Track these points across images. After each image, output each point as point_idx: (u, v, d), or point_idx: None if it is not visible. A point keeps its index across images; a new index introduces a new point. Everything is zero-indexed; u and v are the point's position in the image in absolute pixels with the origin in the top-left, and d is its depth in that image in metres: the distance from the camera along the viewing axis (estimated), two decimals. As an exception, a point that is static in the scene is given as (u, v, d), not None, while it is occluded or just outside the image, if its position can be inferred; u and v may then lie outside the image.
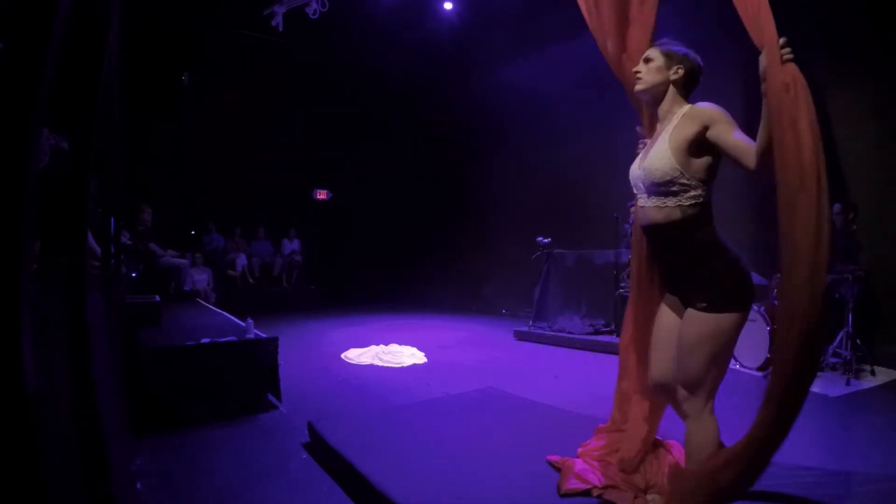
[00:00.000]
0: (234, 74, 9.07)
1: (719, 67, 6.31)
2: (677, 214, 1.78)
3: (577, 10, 2.41)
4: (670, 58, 1.89)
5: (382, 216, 10.57)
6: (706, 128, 1.72)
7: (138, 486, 2.26)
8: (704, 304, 1.76)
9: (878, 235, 4.99)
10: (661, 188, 1.79)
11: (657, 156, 1.80)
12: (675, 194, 1.77)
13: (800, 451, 2.82)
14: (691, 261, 1.81)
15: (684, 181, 1.76)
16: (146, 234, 6.48)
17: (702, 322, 1.76)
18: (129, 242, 5.83)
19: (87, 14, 1.43)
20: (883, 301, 5.00)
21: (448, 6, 7.76)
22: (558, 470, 2.32)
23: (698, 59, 1.92)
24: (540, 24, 7.52)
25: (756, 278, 4.93)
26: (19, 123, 0.92)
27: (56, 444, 1.24)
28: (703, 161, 1.76)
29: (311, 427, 2.94)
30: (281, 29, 7.02)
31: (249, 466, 2.72)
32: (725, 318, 1.74)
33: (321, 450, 2.78)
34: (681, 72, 1.87)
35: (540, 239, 6.67)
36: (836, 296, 4.86)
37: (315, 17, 6.66)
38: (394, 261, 10.44)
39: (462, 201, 9.68)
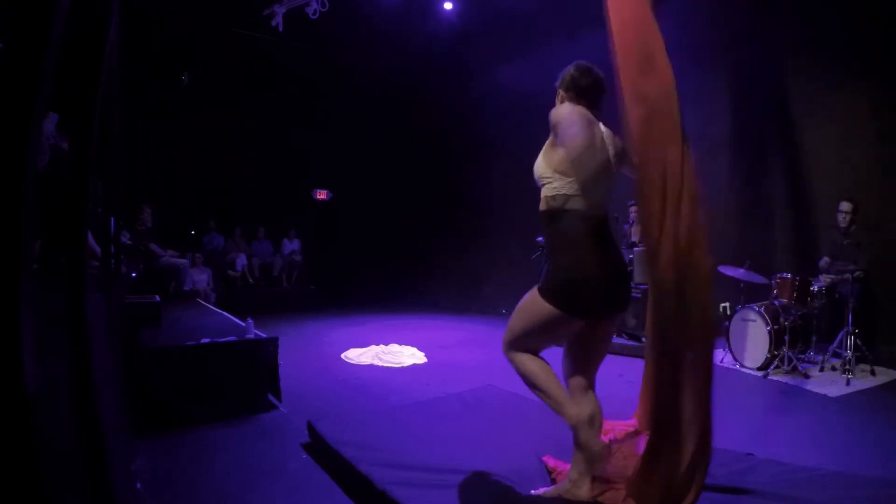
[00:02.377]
0: (234, 74, 9.07)
1: (710, 72, 6.32)
2: (544, 204, 2.05)
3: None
4: (557, 92, 2.16)
5: (382, 216, 10.56)
6: (553, 126, 1.97)
7: (138, 486, 2.26)
8: (540, 283, 2.05)
9: (878, 235, 4.98)
10: (539, 181, 2.07)
11: (539, 156, 2.09)
12: (544, 185, 2.04)
13: (800, 451, 2.82)
14: (548, 251, 2.12)
15: (548, 175, 2.02)
16: (146, 234, 6.48)
17: (531, 294, 2.05)
18: (129, 242, 5.83)
19: (87, 14, 1.43)
20: (883, 301, 5.00)
21: (448, 6, 7.75)
22: (554, 480, 2.31)
23: (571, 69, 2.14)
24: (540, 24, 7.52)
25: (756, 277, 4.93)
26: (19, 123, 0.92)
27: (56, 444, 1.24)
28: (559, 152, 1.98)
29: (310, 427, 2.94)
30: (281, 29, 7.01)
31: (249, 466, 2.72)
32: (542, 303, 1.98)
33: (321, 450, 2.78)
34: (562, 97, 2.12)
35: (540, 239, 6.65)
36: (836, 296, 4.86)
37: (315, 17, 6.65)
38: (394, 261, 10.43)
39: (462, 201, 9.68)
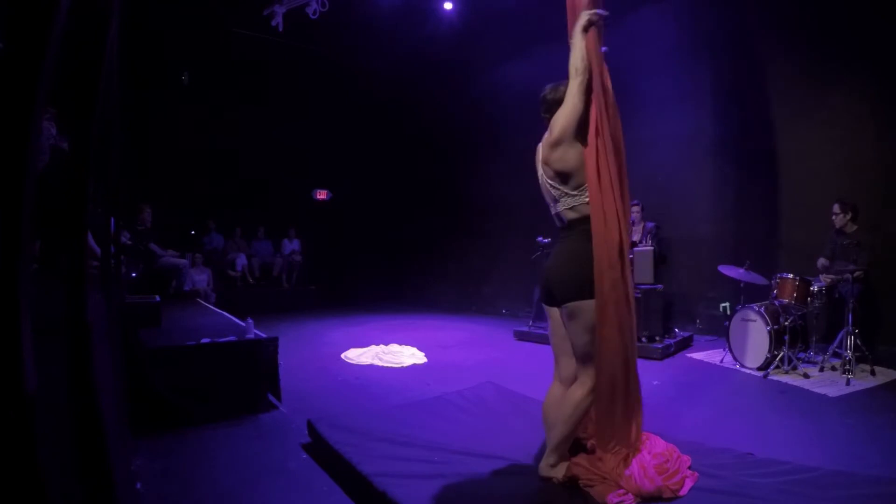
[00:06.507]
0: (234, 74, 9.07)
1: (708, 72, 6.32)
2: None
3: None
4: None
5: (382, 216, 10.56)
6: None
7: (138, 486, 2.26)
8: None
9: (878, 235, 4.98)
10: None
11: None
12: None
13: (800, 451, 2.82)
14: None
15: None
16: (146, 234, 6.48)
17: None
18: (129, 242, 5.83)
19: (88, 13, 1.43)
20: (883, 301, 5.00)
21: (448, 6, 7.75)
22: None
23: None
24: (539, 24, 7.50)
25: (756, 278, 4.93)
26: (19, 123, 0.92)
27: (56, 444, 1.24)
28: None
29: (310, 427, 2.94)
30: (281, 29, 7.01)
31: (249, 466, 2.72)
32: None
33: (321, 450, 2.78)
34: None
35: (540, 239, 6.66)
36: (836, 295, 4.85)
37: (315, 17, 6.65)
38: (393, 261, 10.43)
39: (462, 201, 9.67)
